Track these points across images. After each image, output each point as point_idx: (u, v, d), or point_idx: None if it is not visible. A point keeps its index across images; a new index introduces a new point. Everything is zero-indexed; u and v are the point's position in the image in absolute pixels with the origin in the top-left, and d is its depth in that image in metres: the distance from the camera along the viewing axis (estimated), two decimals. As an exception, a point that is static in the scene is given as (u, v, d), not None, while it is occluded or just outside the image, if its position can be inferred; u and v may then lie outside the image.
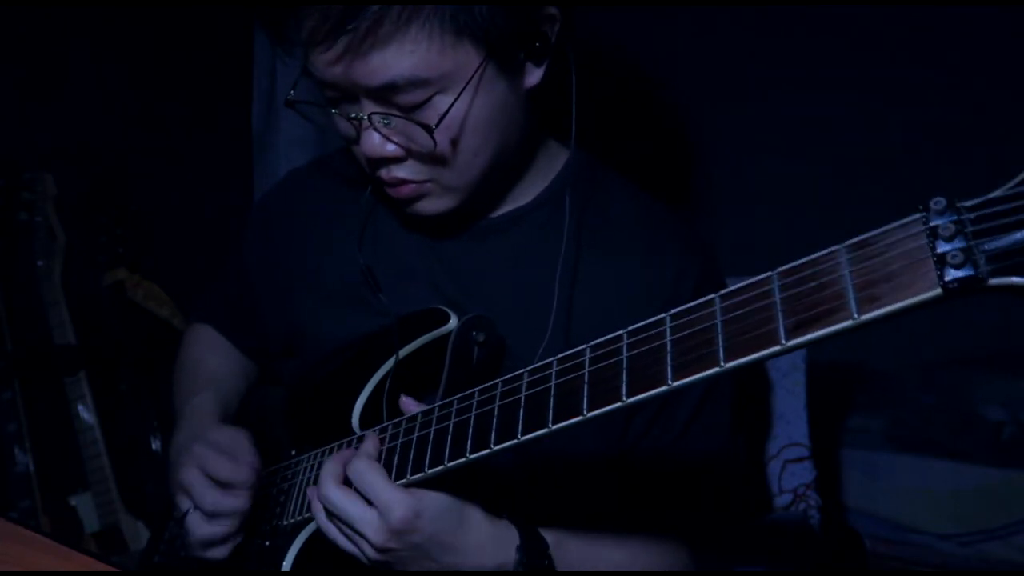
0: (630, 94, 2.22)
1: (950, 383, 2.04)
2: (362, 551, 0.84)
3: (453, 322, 0.97)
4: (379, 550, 0.82)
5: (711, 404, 1.01)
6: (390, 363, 0.99)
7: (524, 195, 1.05)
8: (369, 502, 0.82)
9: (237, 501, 0.96)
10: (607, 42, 2.19)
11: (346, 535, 0.85)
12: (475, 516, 0.86)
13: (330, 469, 0.86)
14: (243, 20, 2.35)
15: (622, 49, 2.23)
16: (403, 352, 0.98)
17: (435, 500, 0.82)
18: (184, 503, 0.99)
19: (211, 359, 1.27)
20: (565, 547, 0.90)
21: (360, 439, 0.93)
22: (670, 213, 1.07)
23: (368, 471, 0.82)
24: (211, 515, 0.97)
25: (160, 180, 2.22)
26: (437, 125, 0.85)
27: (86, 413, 1.96)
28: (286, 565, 0.93)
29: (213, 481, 0.96)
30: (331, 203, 1.15)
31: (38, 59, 1.99)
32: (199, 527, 0.98)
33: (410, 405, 0.90)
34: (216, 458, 0.97)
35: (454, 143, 0.89)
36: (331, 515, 0.85)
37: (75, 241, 1.99)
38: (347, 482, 0.85)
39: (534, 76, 0.93)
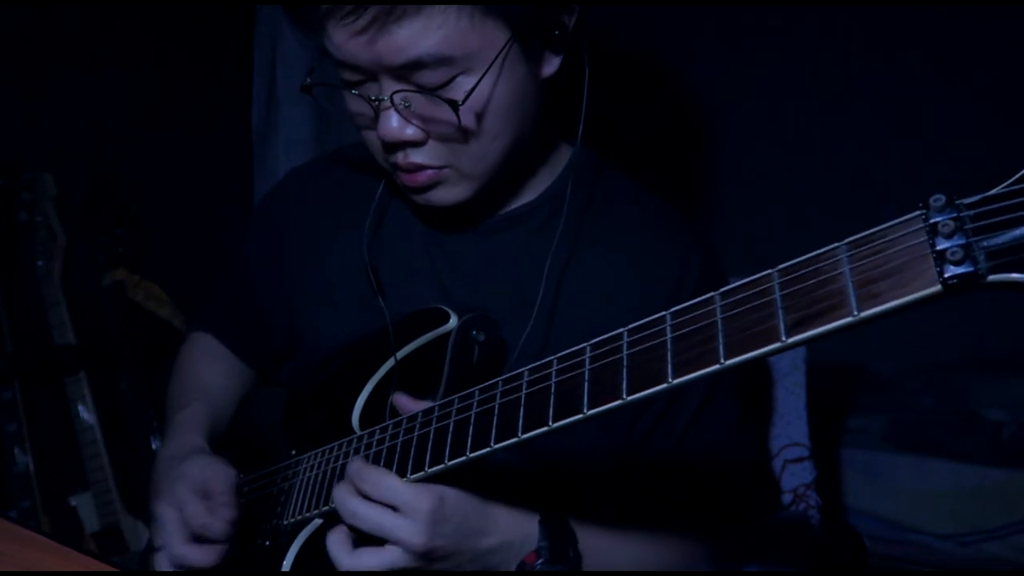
0: (634, 92, 2.22)
1: (950, 384, 2.04)
2: (401, 562, 0.81)
3: (453, 321, 0.97)
4: (421, 553, 0.80)
5: (716, 400, 1.01)
6: (389, 364, 0.98)
7: (531, 192, 1.05)
8: (394, 509, 0.81)
9: (205, 557, 0.94)
10: (613, 40, 2.19)
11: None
12: (493, 501, 0.85)
13: (345, 489, 0.84)
14: (243, 19, 2.36)
15: (627, 48, 2.24)
16: (403, 352, 0.98)
17: (452, 488, 0.82)
18: (156, 537, 0.97)
19: (206, 368, 1.25)
20: (584, 527, 0.90)
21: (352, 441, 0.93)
22: (674, 212, 1.07)
23: (382, 477, 0.81)
24: (176, 565, 0.95)
25: (160, 180, 2.22)
26: (464, 101, 0.84)
27: (86, 413, 1.96)
28: (286, 565, 0.93)
29: (187, 528, 0.94)
30: (334, 202, 1.15)
31: (38, 59, 1.99)
32: (164, 565, 0.96)
33: (406, 403, 0.90)
34: (194, 505, 0.94)
35: (476, 123, 0.88)
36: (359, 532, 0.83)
37: (75, 241, 2.00)
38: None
39: (551, 65, 0.93)
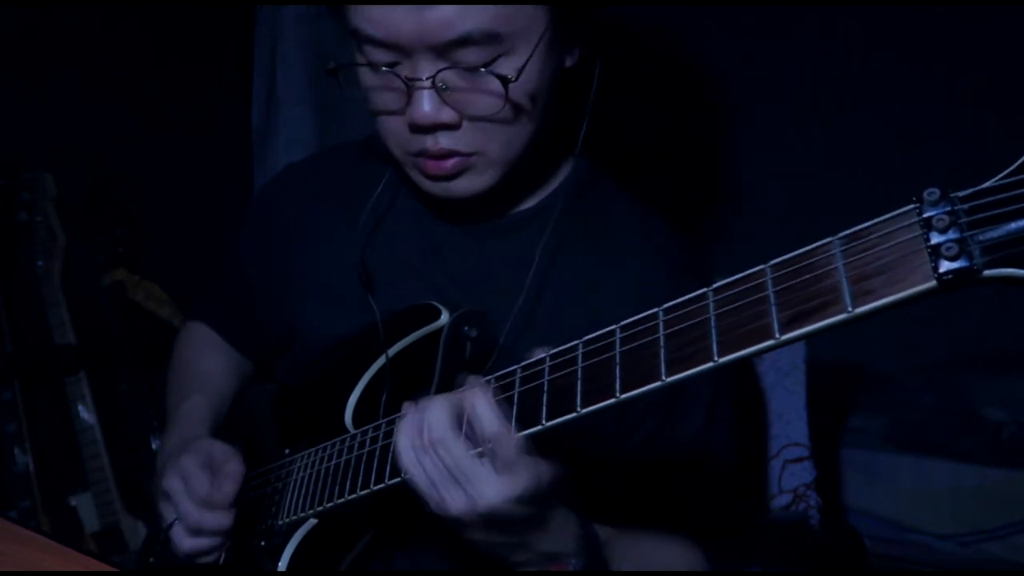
0: (631, 91, 2.22)
1: (950, 383, 2.03)
2: (454, 505, 0.75)
3: (444, 317, 0.96)
4: (483, 512, 0.74)
5: (718, 408, 1.00)
6: (380, 361, 0.98)
7: (531, 199, 1.05)
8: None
9: (218, 519, 0.96)
10: (612, 41, 2.19)
11: (441, 483, 0.75)
12: (557, 501, 0.81)
13: (445, 410, 0.75)
14: (243, 19, 2.36)
15: (626, 49, 2.23)
16: (394, 349, 0.97)
17: (549, 475, 0.75)
18: (169, 513, 0.99)
19: (205, 359, 1.26)
20: (611, 546, 0.89)
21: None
22: (671, 230, 1.07)
23: (505, 434, 0.72)
24: (194, 532, 0.97)
25: (160, 180, 2.22)
26: (516, 78, 0.83)
27: (86, 413, 1.96)
28: (282, 565, 0.93)
29: (195, 497, 0.96)
30: (331, 199, 1.14)
31: (38, 59, 1.99)
32: (183, 540, 0.98)
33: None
34: (198, 474, 0.97)
35: (521, 104, 0.87)
36: (427, 455, 0.75)
37: (75, 241, 2.00)
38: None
39: (571, 58, 0.93)
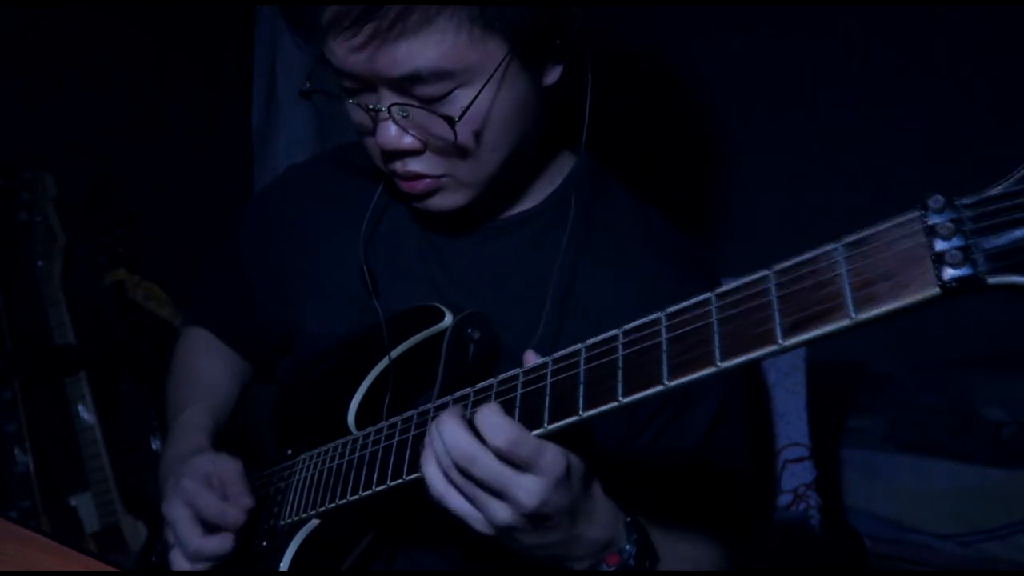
0: (632, 92, 2.22)
1: (950, 383, 2.04)
2: (500, 517, 0.73)
3: (448, 319, 0.96)
4: (528, 515, 0.72)
5: (729, 411, 1.00)
6: (384, 363, 0.98)
7: (530, 199, 1.05)
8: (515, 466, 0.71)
9: (221, 544, 0.95)
10: (612, 42, 2.19)
11: (481, 500, 0.73)
12: (597, 483, 0.79)
13: (460, 426, 0.72)
14: (243, 20, 2.36)
15: (626, 50, 2.24)
16: (397, 351, 0.98)
17: (576, 458, 0.74)
18: (170, 536, 0.98)
19: (204, 365, 1.26)
20: (653, 531, 0.86)
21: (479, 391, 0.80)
22: (673, 228, 1.07)
23: (524, 435, 0.70)
24: (193, 558, 0.96)
25: (160, 180, 2.22)
26: (460, 118, 0.85)
27: (86, 413, 1.96)
28: (284, 565, 0.93)
29: (200, 519, 0.95)
30: (332, 200, 1.15)
31: (38, 59, 1.99)
32: (181, 563, 0.97)
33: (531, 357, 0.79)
34: (206, 496, 0.95)
35: (474, 137, 0.89)
36: (464, 476, 0.73)
37: (75, 241, 2.00)
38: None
39: (552, 75, 0.93)
